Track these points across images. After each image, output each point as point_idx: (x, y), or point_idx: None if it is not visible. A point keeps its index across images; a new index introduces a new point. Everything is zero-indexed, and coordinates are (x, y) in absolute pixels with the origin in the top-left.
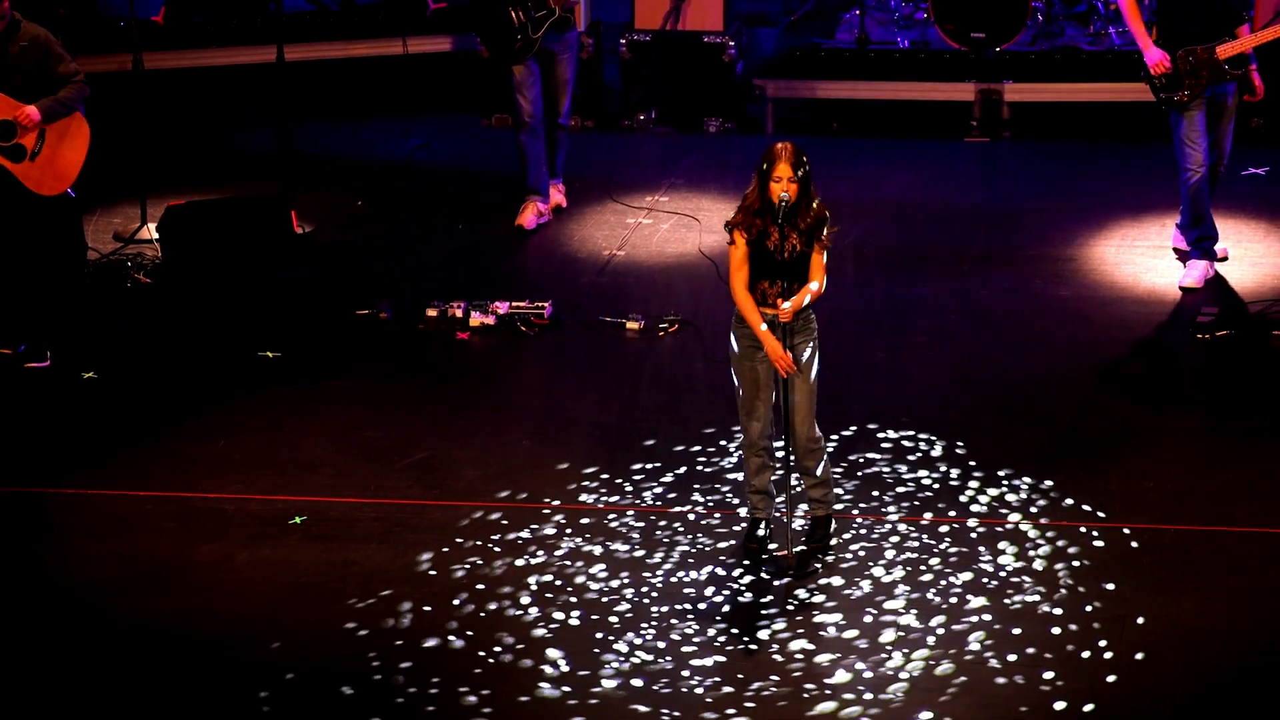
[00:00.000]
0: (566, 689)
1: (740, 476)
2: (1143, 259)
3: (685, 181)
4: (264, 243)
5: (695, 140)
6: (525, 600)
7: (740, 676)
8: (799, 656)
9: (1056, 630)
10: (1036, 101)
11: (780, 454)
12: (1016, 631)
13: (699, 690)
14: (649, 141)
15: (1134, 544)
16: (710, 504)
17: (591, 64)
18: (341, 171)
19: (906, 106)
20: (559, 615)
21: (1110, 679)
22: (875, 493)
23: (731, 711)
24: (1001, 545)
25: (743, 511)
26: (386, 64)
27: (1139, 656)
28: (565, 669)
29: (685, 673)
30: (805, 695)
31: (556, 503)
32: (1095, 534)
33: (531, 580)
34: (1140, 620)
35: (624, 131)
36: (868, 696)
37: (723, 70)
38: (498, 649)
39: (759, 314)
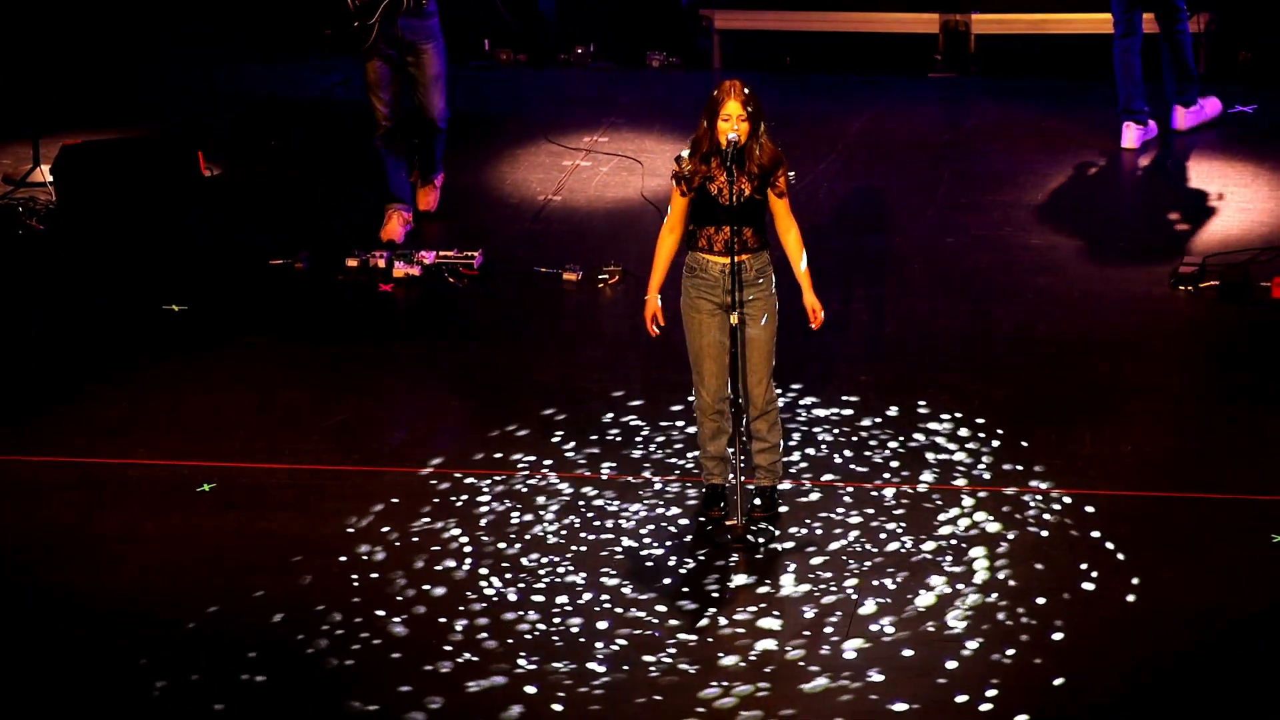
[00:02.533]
0: (493, 664)
1: (689, 437)
2: (1120, 204)
3: (626, 120)
4: (168, 186)
5: (637, 76)
6: (452, 571)
7: (691, 649)
8: (756, 630)
9: (1027, 602)
10: (1006, 34)
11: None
12: (984, 604)
13: (649, 664)
14: (587, 77)
15: (1109, 511)
16: (655, 469)
17: None
18: (253, 109)
19: (866, 39)
20: (489, 586)
21: (1085, 653)
22: (832, 457)
23: (675, 684)
24: (967, 512)
25: (662, 476)
26: None
27: (1114, 629)
28: (489, 643)
29: (625, 645)
30: (761, 674)
31: (488, 468)
32: (1067, 500)
33: (459, 551)
34: (1116, 591)
35: (560, 66)
36: (825, 673)
37: (667, 0)
38: (423, 622)
39: (663, 276)
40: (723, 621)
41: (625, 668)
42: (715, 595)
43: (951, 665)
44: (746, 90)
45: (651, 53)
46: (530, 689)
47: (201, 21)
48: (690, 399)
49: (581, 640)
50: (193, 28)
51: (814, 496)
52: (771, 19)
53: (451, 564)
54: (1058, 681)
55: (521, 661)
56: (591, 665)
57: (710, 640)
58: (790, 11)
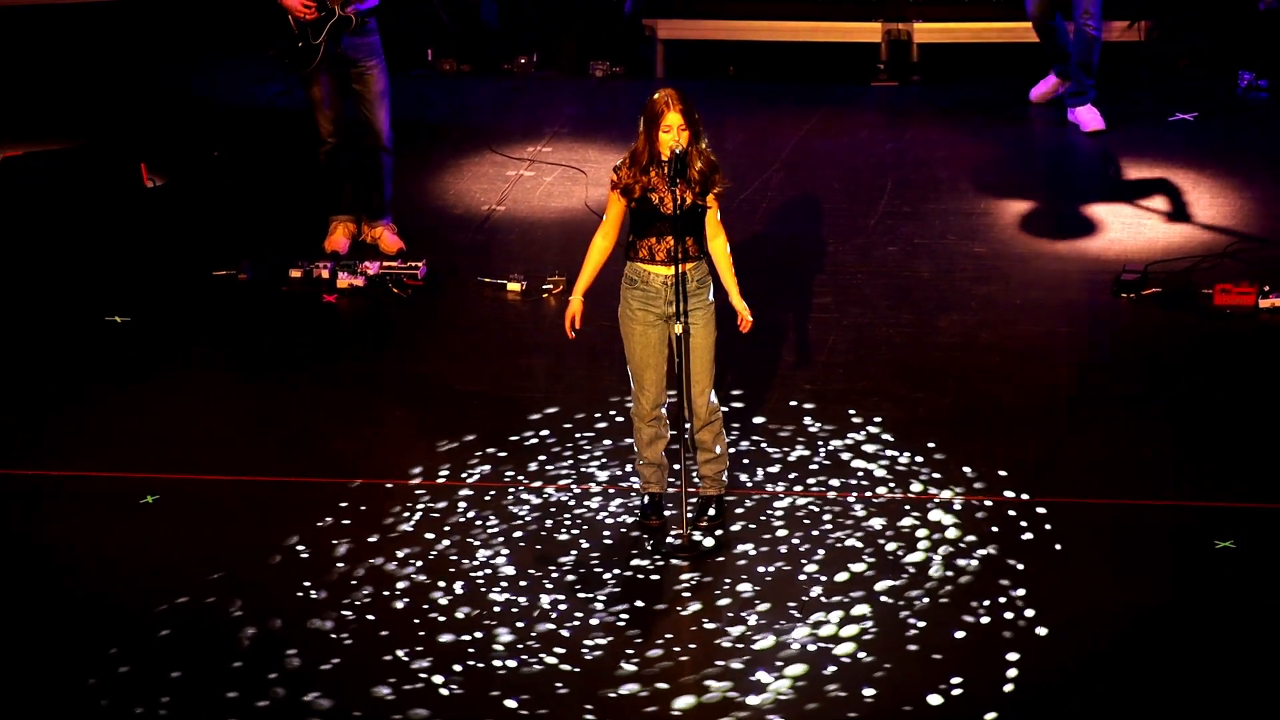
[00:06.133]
0: (436, 677)
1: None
2: (1063, 212)
3: (570, 130)
4: (110, 198)
5: (580, 85)
6: (398, 582)
7: (629, 654)
8: (699, 637)
9: (973, 608)
10: (948, 42)
11: (675, 424)
12: (931, 609)
13: (577, 670)
14: (530, 87)
15: (1053, 518)
16: (598, 478)
17: (468, 2)
18: (196, 119)
19: (808, 48)
20: (433, 596)
21: (1027, 661)
22: (775, 468)
23: (614, 691)
24: (912, 522)
25: (633, 483)
26: (244, 0)
27: (1058, 637)
28: (437, 655)
29: (567, 655)
30: (704, 680)
31: (432, 478)
32: (1012, 510)
33: (403, 561)
34: (1060, 596)
35: (503, 76)
36: (767, 680)
37: (610, 9)
38: (370, 631)
39: (592, 279)
40: (666, 630)
41: (568, 675)
42: (659, 604)
43: (899, 669)
44: (685, 99)
45: (594, 62)
46: (476, 697)
47: (147, 29)
48: (628, 406)
49: (524, 649)
50: (139, 36)
51: (758, 505)
52: (714, 28)
53: (396, 574)
54: (1006, 686)
55: (465, 670)
56: (536, 675)
57: (653, 649)
58: (733, 21)
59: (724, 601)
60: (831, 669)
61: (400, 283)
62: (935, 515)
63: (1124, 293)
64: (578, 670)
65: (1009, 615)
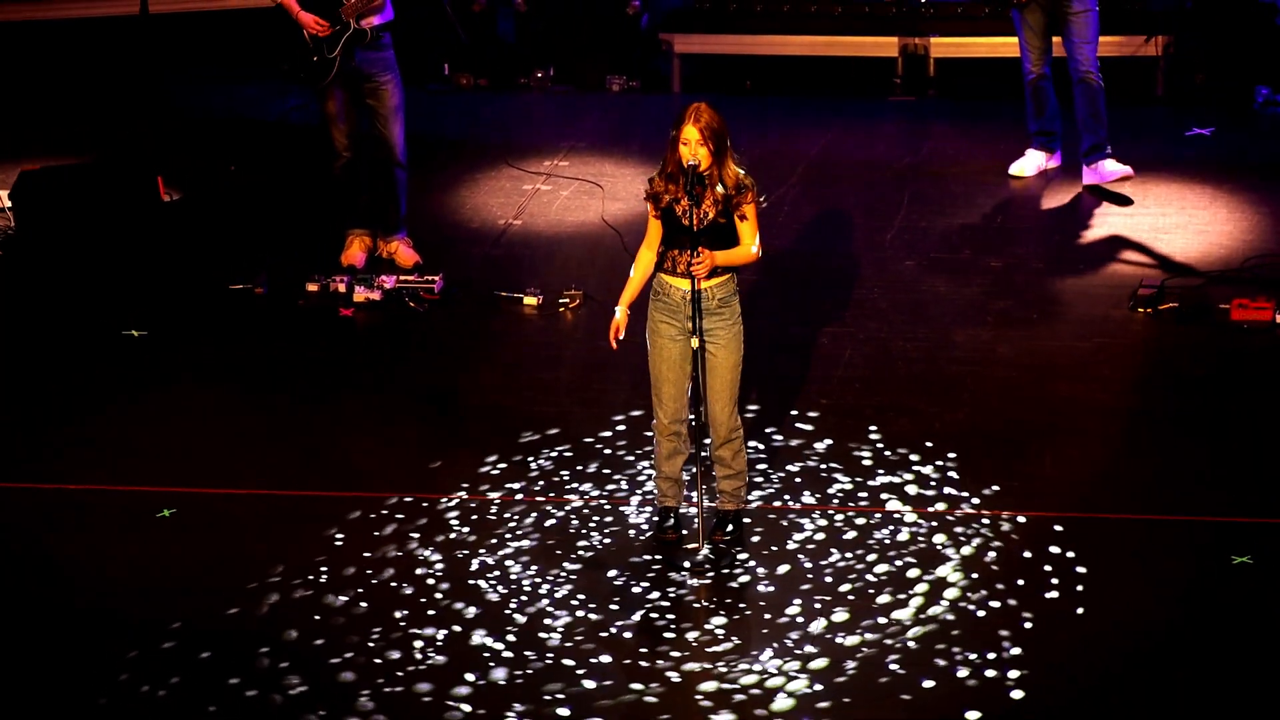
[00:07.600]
0: (460, 691)
1: (648, 459)
2: (1079, 227)
3: (586, 144)
4: (127, 211)
5: (597, 100)
6: (414, 595)
7: (645, 669)
8: (712, 652)
9: (987, 624)
10: (965, 57)
11: (694, 440)
12: (943, 625)
13: (594, 686)
14: (547, 101)
15: (1069, 533)
16: (615, 491)
17: (485, 16)
18: (213, 133)
19: (825, 63)
20: (451, 609)
21: (1047, 674)
22: (791, 481)
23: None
24: (924, 536)
25: (637, 499)
26: (260, 16)
27: (1068, 652)
28: (459, 671)
29: (586, 670)
30: (717, 695)
31: (448, 491)
32: (1024, 523)
33: (421, 577)
34: (1076, 612)
35: (520, 90)
36: (782, 695)
37: (627, 23)
38: (386, 645)
39: (635, 291)
40: (680, 643)
41: (584, 686)
42: (673, 618)
43: (911, 686)
44: (708, 114)
45: (611, 76)
46: (490, 709)
47: (163, 45)
48: (647, 418)
49: (540, 661)
50: (155, 51)
51: (774, 520)
52: (731, 43)
53: (413, 587)
54: (1018, 702)
55: (482, 683)
56: (551, 686)
57: (667, 661)
58: (750, 35)
59: (737, 614)
60: (842, 682)
61: (417, 296)
62: (948, 529)
63: (1141, 307)
64: (592, 683)
65: (1023, 628)
